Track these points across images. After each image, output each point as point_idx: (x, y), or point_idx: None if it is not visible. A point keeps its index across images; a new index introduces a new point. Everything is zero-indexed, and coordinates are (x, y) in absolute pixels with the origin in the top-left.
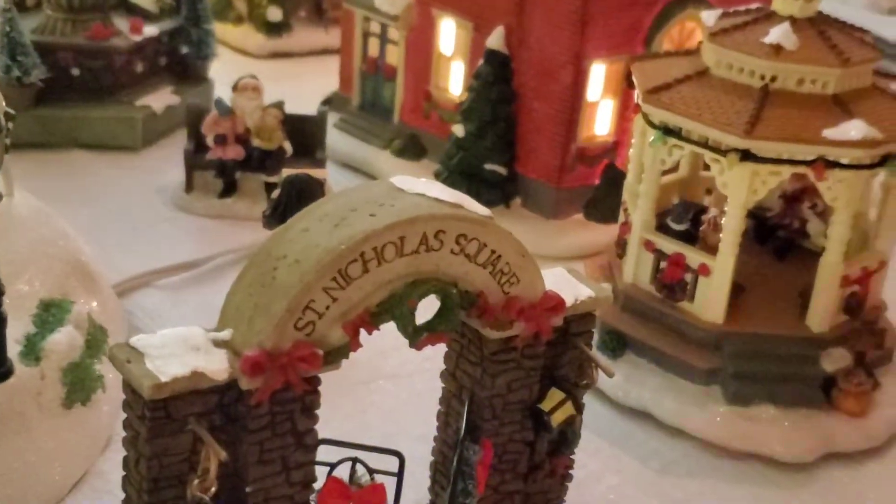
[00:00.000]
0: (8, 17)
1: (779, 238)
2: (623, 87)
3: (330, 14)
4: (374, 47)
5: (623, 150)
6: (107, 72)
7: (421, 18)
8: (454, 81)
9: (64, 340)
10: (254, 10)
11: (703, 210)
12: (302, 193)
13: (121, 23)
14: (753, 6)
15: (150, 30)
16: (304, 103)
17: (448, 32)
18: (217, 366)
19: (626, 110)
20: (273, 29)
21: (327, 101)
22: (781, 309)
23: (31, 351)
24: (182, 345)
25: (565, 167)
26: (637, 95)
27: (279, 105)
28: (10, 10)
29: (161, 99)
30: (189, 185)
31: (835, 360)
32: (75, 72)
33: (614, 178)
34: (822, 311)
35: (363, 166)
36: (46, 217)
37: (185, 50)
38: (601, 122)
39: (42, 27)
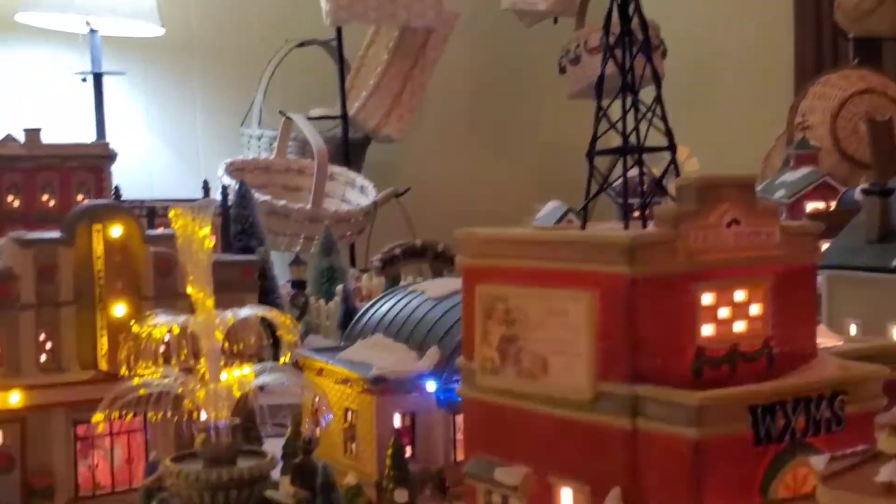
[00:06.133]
0: None
1: None
2: None
3: (453, 490)
4: None
5: None
6: None
7: (539, 486)
8: None
9: None
10: (382, 494)
11: None
12: None
13: None
14: (859, 448)
15: None
16: None
17: (566, 499)
18: None
19: None
20: None
21: None
22: None
23: None
24: None
25: None
26: None
27: None
28: None
29: None
30: None
31: None
32: None
33: None
34: None
35: None
36: None
37: None
38: None
39: None
